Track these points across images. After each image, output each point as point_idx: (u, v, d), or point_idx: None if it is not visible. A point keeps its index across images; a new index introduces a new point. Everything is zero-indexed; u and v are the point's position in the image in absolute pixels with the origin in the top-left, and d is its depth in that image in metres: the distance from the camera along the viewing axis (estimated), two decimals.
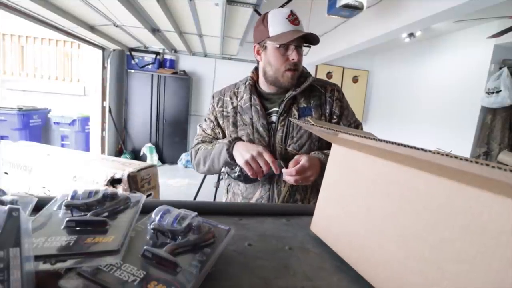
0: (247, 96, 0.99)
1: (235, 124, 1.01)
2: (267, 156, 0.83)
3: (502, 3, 1.96)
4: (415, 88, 4.58)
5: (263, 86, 1.01)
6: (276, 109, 0.98)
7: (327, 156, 0.88)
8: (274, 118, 0.98)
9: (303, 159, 0.83)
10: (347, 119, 1.00)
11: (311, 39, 0.90)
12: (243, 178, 0.92)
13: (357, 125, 1.02)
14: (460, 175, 0.28)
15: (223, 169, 1.02)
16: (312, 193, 0.99)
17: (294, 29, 0.88)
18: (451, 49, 3.96)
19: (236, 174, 0.93)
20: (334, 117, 0.99)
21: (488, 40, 3.04)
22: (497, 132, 3.31)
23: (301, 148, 0.96)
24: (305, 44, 0.92)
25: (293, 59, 0.90)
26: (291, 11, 0.90)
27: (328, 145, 0.97)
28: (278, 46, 0.90)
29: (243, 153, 0.85)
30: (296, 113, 0.96)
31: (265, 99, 1.01)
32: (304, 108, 0.97)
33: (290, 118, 0.95)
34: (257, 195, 0.98)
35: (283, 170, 0.83)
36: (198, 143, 1.07)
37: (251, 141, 0.97)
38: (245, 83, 1.02)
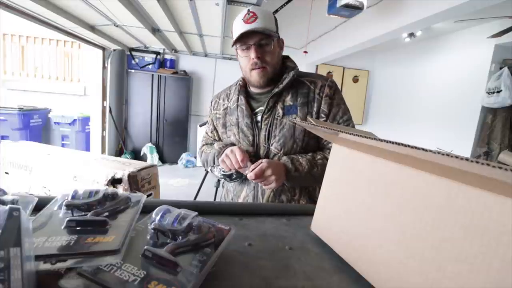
0: (235, 97, 1.00)
1: (224, 125, 1.04)
2: (237, 153, 0.87)
3: (502, 3, 1.96)
4: (416, 88, 4.58)
5: (252, 86, 1.01)
6: (262, 108, 0.96)
7: (294, 162, 0.90)
8: (260, 117, 0.96)
9: (263, 162, 0.86)
10: (335, 118, 0.94)
11: (264, 32, 0.86)
12: (226, 177, 0.98)
13: (347, 125, 0.94)
14: (460, 175, 0.28)
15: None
16: (302, 194, 0.97)
17: (247, 28, 0.86)
18: (451, 49, 3.96)
19: (220, 174, 0.98)
20: (322, 115, 0.93)
21: (488, 40, 3.04)
22: (498, 132, 3.31)
23: (283, 147, 0.93)
24: (262, 40, 0.87)
25: (252, 58, 0.88)
26: (248, 10, 0.87)
27: (315, 145, 0.97)
28: (236, 48, 0.92)
29: (221, 155, 0.92)
30: (280, 111, 0.94)
31: (252, 99, 1.00)
32: (290, 106, 0.94)
33: (291, 119, 0.93)
34: (243, 193, 1.00)
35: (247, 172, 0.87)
36: (203, 145, 1.13)
37: (237, 141, 0.99)
38: (236, 84, 1.03)
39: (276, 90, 0.93)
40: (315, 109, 0.94)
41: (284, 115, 0.94)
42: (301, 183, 0.94)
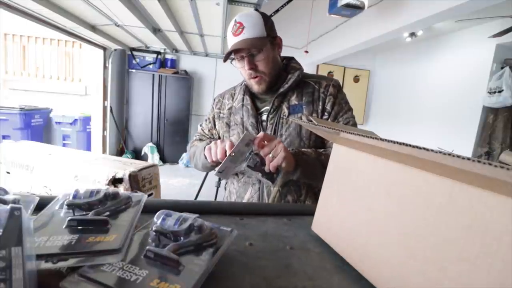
0: (241, 97, 1.01)
1: (228, 124, 1.03)
2: (227, 143, 0.79)
3: (503, 3, 1.95)
4: (417, 88, 4.57)
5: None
6: (267, 107, 0.97)
7: (304, 152, 0.86)
8: (265, 117, 0.97)
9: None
10: (336, 116, 0.95)
11: (251, 44, 0.86)
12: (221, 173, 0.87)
13: (346, 123, 0.94)
14: (462, 175, 0.28)
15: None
16: (308, 195, 0.96)
17: (234, 42, 0.87)
18: (452, 49, 3.95)
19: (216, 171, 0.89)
20: (326, 114, 0.95)
21: (490, 39, 3.04)
22: (499, 132, 3.31)
23: (290, 145, 0.93)
24: (252, 49, 0.87)
25: (247, 69, 0.90)
26: (235, 21, 0.88)
27: (321, 144, 0.96)
28: (232, 60, 0.93)
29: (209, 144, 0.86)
30: (286, 110, 0.94)
31: (258, 99, 1.01)
32: (295, 105, 0.95)
33: (292, 119, 0.93)
34: (248, 194, 0.98)
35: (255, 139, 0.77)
36: (194, 140, 1.12)
37: None
38: (241, 84, 1.04)
39: (281, 90, 0.94)
40: (320, 107, 0.95)
41: (289, 114, 0.94)
42: (310, 169, 0.85)
